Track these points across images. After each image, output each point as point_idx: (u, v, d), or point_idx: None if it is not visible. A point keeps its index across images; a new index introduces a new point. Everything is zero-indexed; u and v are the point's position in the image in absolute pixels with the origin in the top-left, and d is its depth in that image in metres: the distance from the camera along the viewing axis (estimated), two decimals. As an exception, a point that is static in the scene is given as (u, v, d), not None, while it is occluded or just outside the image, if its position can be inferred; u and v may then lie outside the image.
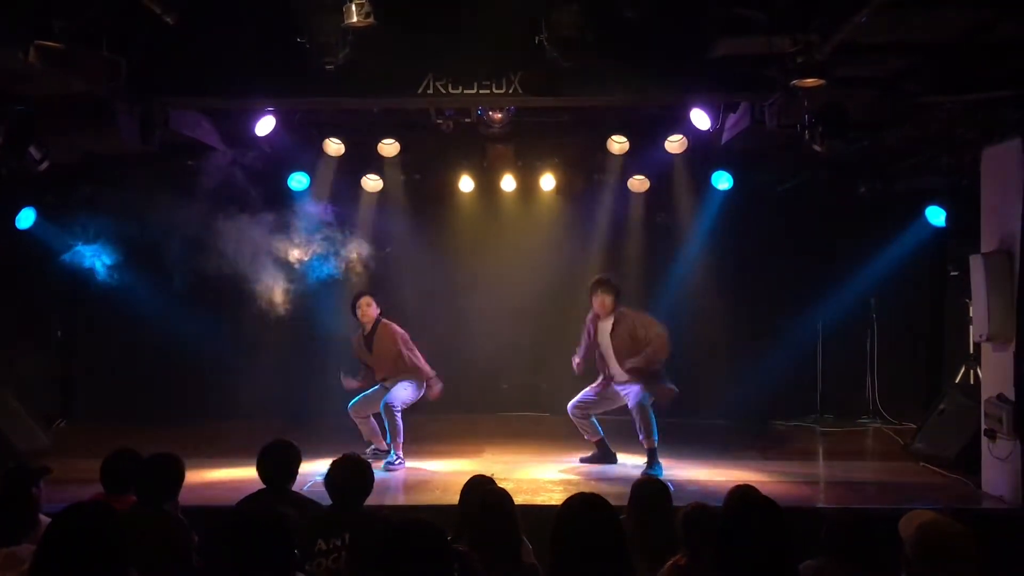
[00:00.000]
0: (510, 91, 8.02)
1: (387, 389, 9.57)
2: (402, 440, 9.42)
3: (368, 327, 9.81)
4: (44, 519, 4.80)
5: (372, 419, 9.76)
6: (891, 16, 6.23)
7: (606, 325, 9.50)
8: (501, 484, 5.36)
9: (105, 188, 11.22)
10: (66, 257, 11.24)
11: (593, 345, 9.61)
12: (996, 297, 8.17)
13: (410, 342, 9.80)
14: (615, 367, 9.42)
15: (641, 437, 9.16)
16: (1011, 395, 8.00)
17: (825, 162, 9.76)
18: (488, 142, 11.28)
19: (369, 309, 9.77)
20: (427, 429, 10.72)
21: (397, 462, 9.35)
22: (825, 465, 10.20)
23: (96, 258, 11.31)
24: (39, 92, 7.86)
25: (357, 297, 9.93)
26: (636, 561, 4.21)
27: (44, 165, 8.32)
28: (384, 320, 9.86)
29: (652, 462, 9.12)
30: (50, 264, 11.45)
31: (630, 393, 9.24)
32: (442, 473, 9.11)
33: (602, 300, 9.47)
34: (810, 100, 7.73)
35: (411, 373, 9.65)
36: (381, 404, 9.44)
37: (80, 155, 9.76)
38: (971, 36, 6.87)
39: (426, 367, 9.72)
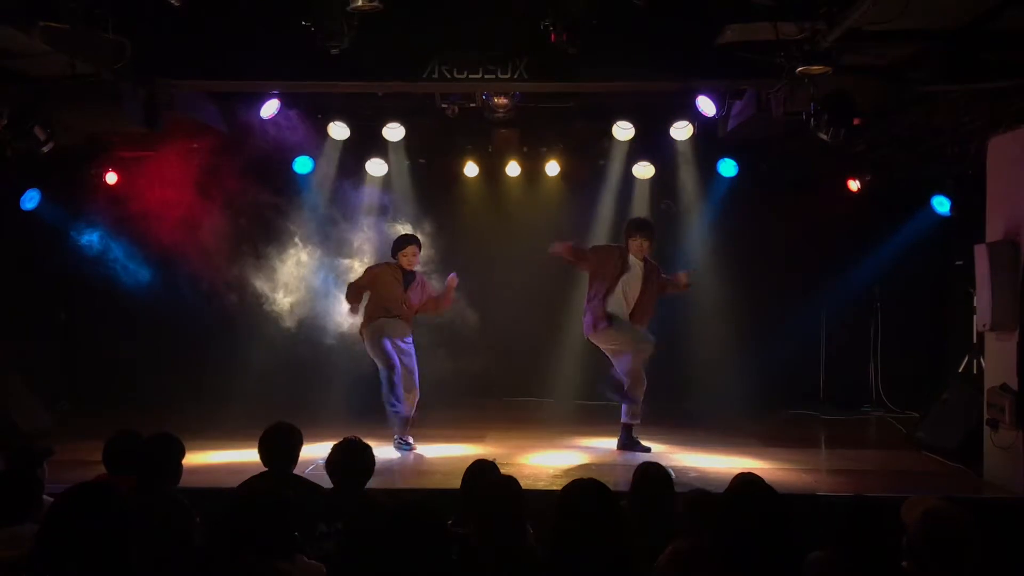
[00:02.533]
0: (515, 76, 8.02)
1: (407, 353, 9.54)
2: None
3: (411, 267, 9.63)
4: (47, 500, 4.81)
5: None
6: (897, 3, 6.20)
7: (638, 267, 9.40)
8: (503, 469, 5.37)
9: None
10: (71, 239, 11.27)
11: (613, 277, 9.36)
12: (1000, 286, 8.16)
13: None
14: (624, 311, 9.33)
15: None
16: (1014, 385, 7.99)
17: (830, 150, 9.73)
18: (493, 127, 11.27)
19: (415, 259, 9.59)
20: (429, 414, 10.72)
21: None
22: (827, 453, 10.19)
23: (100, 240, 11.35)
24: (44, 73, 7.87)
25: (405, 243, 9.63)
26: (636, 547, 4.22)
27: (49, 146, 8.33)
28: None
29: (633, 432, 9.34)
30: (55, 245, 11.47)
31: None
32: (444, 458, 9.11)
33: (640, 244, 9.38)
34: (816, 88, 7.72)
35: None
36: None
37: (85, 136, 9.79)
38: (977, 24, 6.85)
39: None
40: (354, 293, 9.61)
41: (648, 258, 9.46)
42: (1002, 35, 7.05)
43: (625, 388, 9.25)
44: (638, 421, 9.41)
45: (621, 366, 9.29)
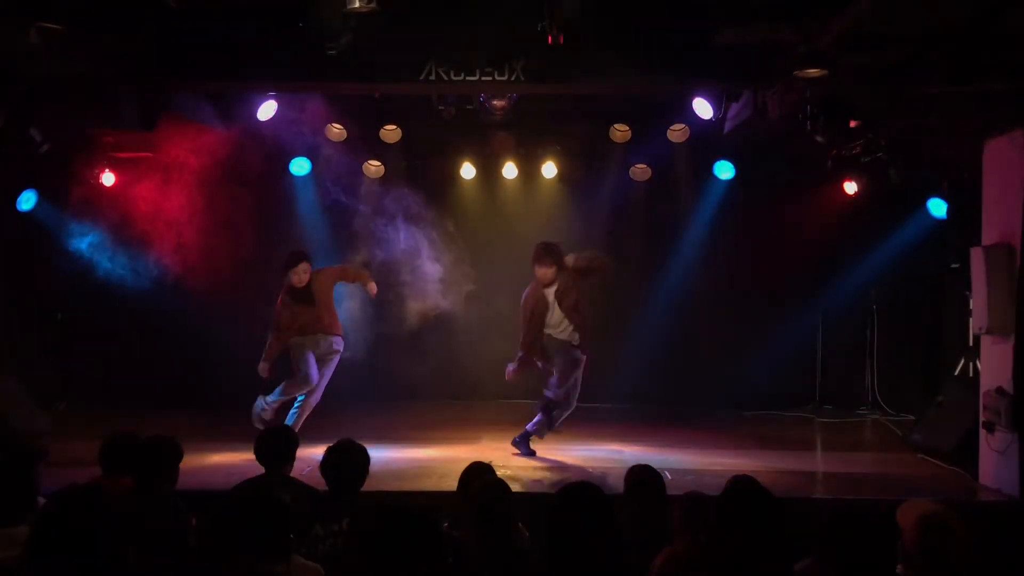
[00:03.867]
0: (512, 78, 8.00)
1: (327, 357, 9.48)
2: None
3: (303, 284, 9.38)
4: (43, 501, 4.81)
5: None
6: (894, 5, 6.20)
7: (551, 291, 9.11)
8: (498, 471, 5.37)
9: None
10: (68, 240, 11.26)
11: (541, 321, 9.14)
12: (996, 290, 8.17)
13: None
14: (560, 325, 9.15)
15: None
16: (1010, 388, 7.99)
17: (827, 152, 9.73)
18: (490, 129, 11.26)
19: (306, 276, 9.34)
20: (425, 416, 10.73)
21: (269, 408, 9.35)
22: (823, 456, 10.19)
23: (96, 241, 11.33)
24: (40, 73, 7.85)
25: (296, 261, 9.37)
26: (631, 549, 4.22)
27: (45, 147, 8.32)
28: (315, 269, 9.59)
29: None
30: (51, 246, 11.45)
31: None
32: (440, 460, 9.10)
33: (544, 272, 9.08)
34: (812, 90, 7.72)
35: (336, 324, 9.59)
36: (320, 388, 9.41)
37: (81, 137, 9.77)
38: (975, 26, 6.84)
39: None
40: (274, 346, 9.48)
41: (557, 280, 9.11)
42: (999, 38, 7.03)
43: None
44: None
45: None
